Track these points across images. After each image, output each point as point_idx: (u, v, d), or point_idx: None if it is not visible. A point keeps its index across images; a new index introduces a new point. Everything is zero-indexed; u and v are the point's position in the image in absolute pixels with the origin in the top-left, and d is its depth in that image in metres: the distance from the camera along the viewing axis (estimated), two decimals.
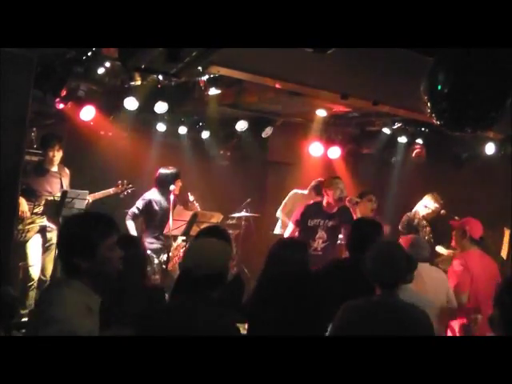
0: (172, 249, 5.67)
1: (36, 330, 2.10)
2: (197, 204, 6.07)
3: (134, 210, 5.76)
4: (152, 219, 5.77)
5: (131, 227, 5.69)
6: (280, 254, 3.44)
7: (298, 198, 6.75)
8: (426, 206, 6.20)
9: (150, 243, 5.62)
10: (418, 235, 5.47)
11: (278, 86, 4.98)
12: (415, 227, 6.09)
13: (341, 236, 5.92)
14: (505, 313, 2.02)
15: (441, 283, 4.00)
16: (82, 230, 2.19)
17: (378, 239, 3.66)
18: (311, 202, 5.72)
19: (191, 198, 6.08)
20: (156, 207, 5.77)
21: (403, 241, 4.77)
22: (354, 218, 5.19)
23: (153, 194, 5.83)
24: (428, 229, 6.14)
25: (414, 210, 6.29)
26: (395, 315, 2.70)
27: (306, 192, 6.73)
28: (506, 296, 2.05)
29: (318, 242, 5.35)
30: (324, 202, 5.38)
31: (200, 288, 2.42)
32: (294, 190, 6.90)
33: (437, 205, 6.18)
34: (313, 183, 6.56)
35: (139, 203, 5.78)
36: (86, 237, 2.16)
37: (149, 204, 5.76)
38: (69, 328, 2.03)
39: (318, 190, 6.12)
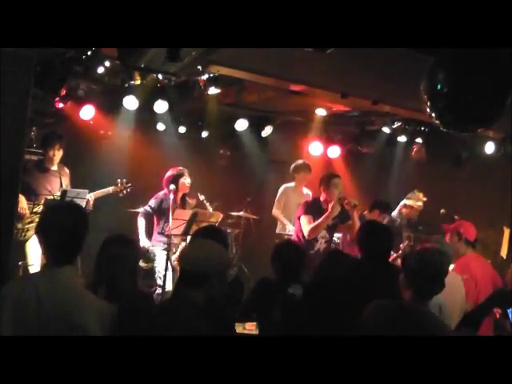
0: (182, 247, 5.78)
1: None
2: (207, 203, 6.10)
3: (146, 207, 5.90)
4: (162, 217, 5.84)
5: (141, 225, 5.83)
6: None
7: (288, 192, 6.75)
8: (405, 205, 6.10)
9: (159, 241, 5.77)
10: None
11: (277, 85, 4.97)
12: (397, 229, 5.85)
13: (338, 235, 5.88)
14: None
15: (458, 289, 3.84)
16: (84, 214, 2.49)
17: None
18: (309, 200, 5.65)
19: (201, 197, 6.12)
20: (165, 206, 5.81)
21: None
22: (353, 219, 5.14)
23: (163, 194, 5.90)
24: (408, 234, 5.85)
25: (395, 211, 6.20)
26: (421, 323, 2.61)
27: (293, 184, 6.75)
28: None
29: (321, 242, 5.27)
30: (322, 199, 5.30)
31: (186, 286, 2.44)
32: (283, 185, 6.87)
33: (419, 203, 6.06)
34: (292, 166, 6.72)
35: (151, 202, 5.89)
36: (86, 220, 2.43)
37: (160, 203, 5.85)
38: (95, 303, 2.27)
39: (296, 170, 6.60)
